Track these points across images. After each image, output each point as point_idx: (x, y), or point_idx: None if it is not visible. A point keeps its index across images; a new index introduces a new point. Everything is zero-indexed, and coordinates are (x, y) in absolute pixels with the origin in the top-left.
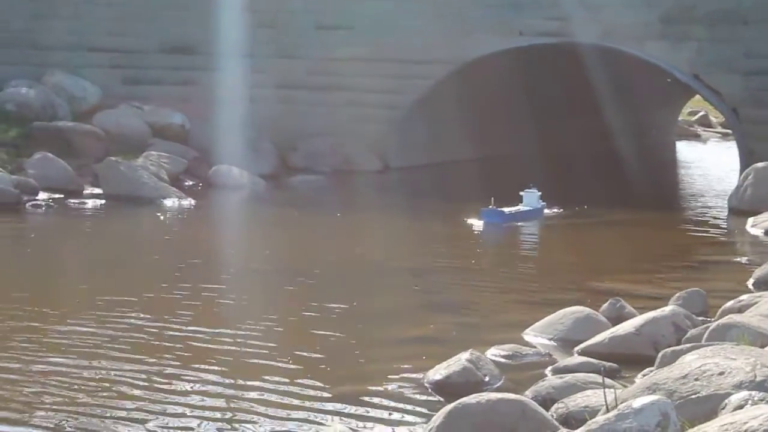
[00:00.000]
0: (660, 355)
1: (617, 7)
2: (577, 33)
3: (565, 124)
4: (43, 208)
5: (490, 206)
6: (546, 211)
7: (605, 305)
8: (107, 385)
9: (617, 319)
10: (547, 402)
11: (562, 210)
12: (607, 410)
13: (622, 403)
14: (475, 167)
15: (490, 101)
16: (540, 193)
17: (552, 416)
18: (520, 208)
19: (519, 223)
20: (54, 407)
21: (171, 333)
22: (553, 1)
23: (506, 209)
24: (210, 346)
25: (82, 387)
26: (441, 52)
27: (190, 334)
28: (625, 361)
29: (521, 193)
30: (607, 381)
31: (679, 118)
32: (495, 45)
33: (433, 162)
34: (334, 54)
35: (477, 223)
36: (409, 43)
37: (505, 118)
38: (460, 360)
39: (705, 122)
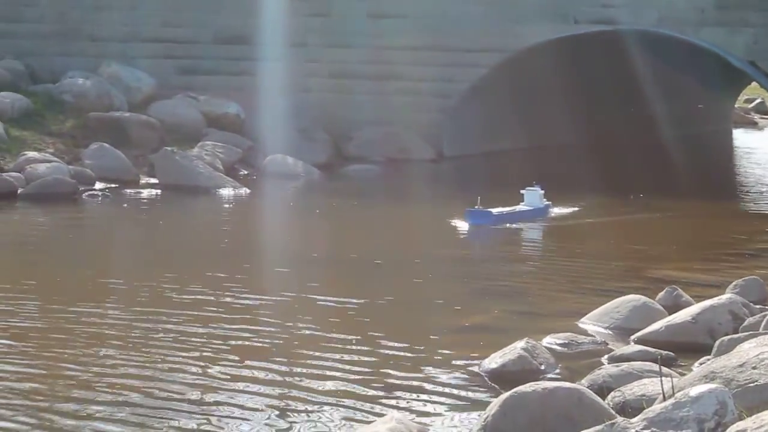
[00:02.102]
0: (717, 343)
1: None
2: (632, 20)
3: (617, 112)
4: (100, 198)
5: (476, 206)
6: (554, 210)
7: (662, 293)
8: (164, 373)
9: (674, 307)
10: (603, 390)
11: (577, 208)
12: (664, 399)
13: (679, 391)
14: (528, 156)
15: (542, 89)
16: (543, 192)
17: (608, 405)
18: (515, 208)
19: (513, 225)
20: (114, 395)
21: (227, 321)
22: None
23: (494, 210)
24: (265, 336)
25: (140, 374)
26: (494, 40)
27: (247, 323)
28: (682, 349)
29: (522, 192)
30: (664, 369)
31: (735, 106)
32: (549, 33)
33: (486, 151)
34: (388, 42)
35: (462, 225)
36: (462, 31)
37: (558, 106)
38: (515, 348)
39: (762, 109)
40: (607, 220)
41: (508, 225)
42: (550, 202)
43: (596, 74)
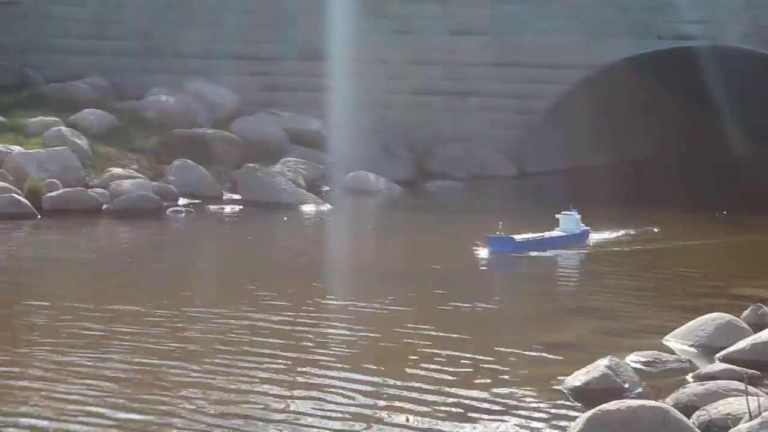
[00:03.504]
0: None
1: (759, 8)
2: (716, 35)
3: (699, 126)
4: (183, 214)
5: (498, 232)
6: (594, 235)
7: (746, 312)
8: (252, 384)
9: (759, 325)
10: (688, 409)
11: (656, 229)
12: (750, 418)
13: (765, 410)
14: (612, 172)
15: (623, 105)
16: (579, 216)
17: (694, 424)
18: (544, 234)
19: (546, 252)
20: (204, 409)
21: (308, 331)
22: (692, 3)
23: (518, 236)
24: (344, 346)
25: (228, 387)
26: (576, 56)
27: (329, 334)
28: None
29: (557, 216)
30: (750, 388)
31: None
32: (631, 49)
33: (569, 167)
34: (469, 59)
35: (482, 252)
36: (544, 47)
37: (639, 122)
38: (599, 366)
39: None
40: (689, 239)
41: (534, 253)
42: (588, 228)
43: (675, 89)
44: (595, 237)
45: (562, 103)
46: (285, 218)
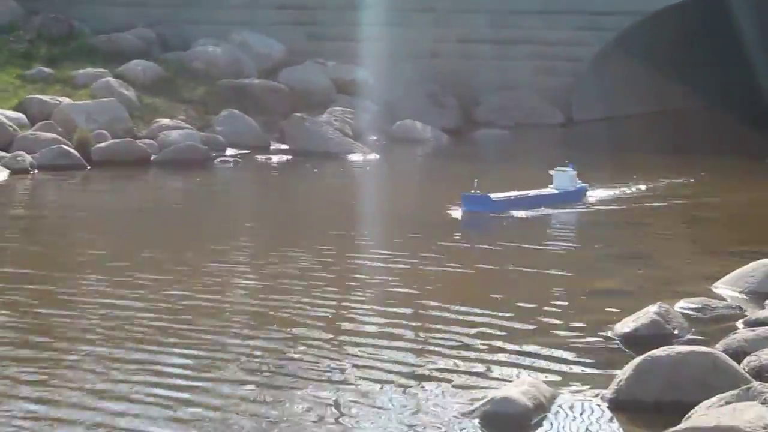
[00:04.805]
0: None
1: None
2: None
3: (742, 76)
4: (231, 164)
5: (473, 191)
6: (590, 193)
7: None
8: (290, 343)
9: None
10: (738, 355)
11: (703, 173)
12: None
13: None
14: (661, 120)
15: (674, 53)
16: (575, 172)
17: (744, 369)
18: (529, 192)
19: (531, 212)
20: (243, 364)
21: (352, 287)
22: None
23: (494, 195)
24: (392, 302)
25: (267, 346)
26: (624, 3)
27: (376, 286)
28: None
29: (551, 172)
30: None
31: None
32: None
33: (617, 115)
34: (516, 7)
35: (456, 212)
36: None
37: (684, 71)
38: (648, 313)
39: None
40: (735, 188)
41: (518, 213)
42: (586, 185)
43: (717, 38)
44: (641, 187)
45: (609, 50)
46: (340, 169)
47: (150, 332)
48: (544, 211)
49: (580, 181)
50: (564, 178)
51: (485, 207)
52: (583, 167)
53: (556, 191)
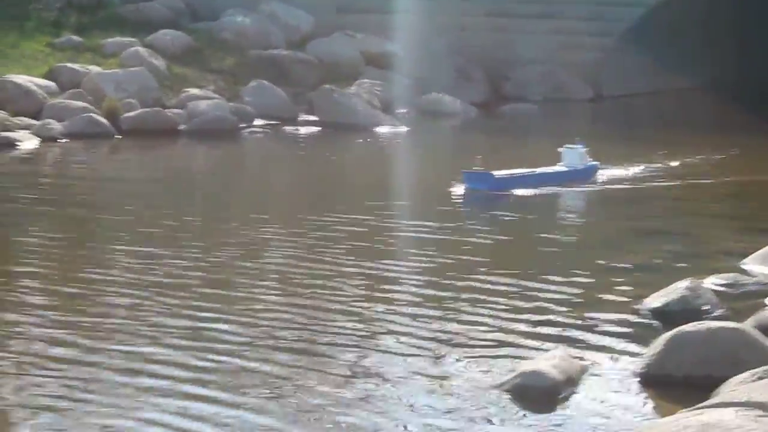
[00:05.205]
0: None
1: None
2: None
3: None
4: (260, 135)
5: (475, 167)
6: (604, 171)
7: None
8: (322, 312)
9: None
10: None
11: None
12: None
13: None
14: (690, 96)
15: (701, 29)
16: (584, 150)
17: None
18: (535, 170)
19: (535, 190)
20: (272, 331)
21: (383, 258)
22: None
23: (496, 172)
24: (422, 272)
25: (299, 311)
26: None
27: (406, 257)
28: None
29: (560, 150)
30: None
31: None
32: None
33: (646, 90)
34: None
35: (458, 189)
36: None
37: (717, 45)
38: (678, 288)
39: None
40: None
41: (522, 191)
42: (597, 163)
43: (754, 13)
44: (672, 163)
45: (638, 26)
46: (360, 140)
47: (186, 297)
48: (553, 189)
49: (590, 159)
50: (573, 155)
51: (487, 185)
52: (607, 143)
53: (565, 169)
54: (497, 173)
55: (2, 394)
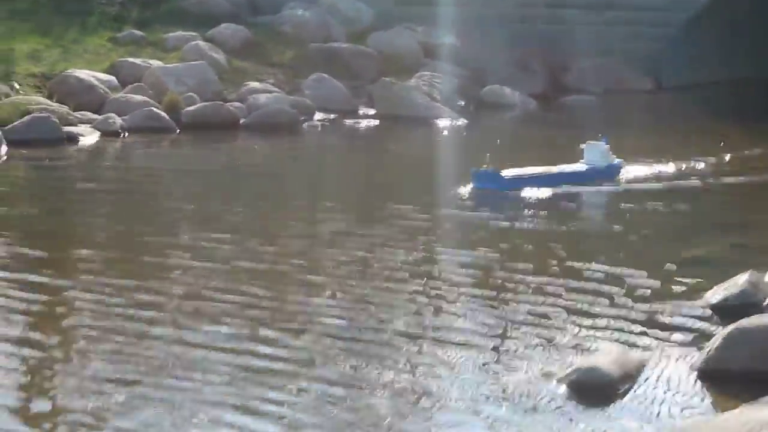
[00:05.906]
0: None
1: None
2: None
3: None
4: (319, 128)
5: (484, 166)
6: (624, 170)
7: None
8: (370, 307)
9: None
10: None
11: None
12: None
13: None
14: (752, 87)
15: (764, 20)
16: (607, 146)
17: None
18: (551, 169)
19: (554, 190)
20: (315, 327)
21: (433, 253)
22: None
23: (506, 172)
24: (472, 266)
25: (345, 306)
26: None
27: (460, 248)
28: None
29: (581, 146)
30: None
31: None
32: None
33: (707, 81)
34: None
35: (466, 189)
36: None
37: None
38: (738, 282)
39: None
40: None
41: (538, 192)
42: (621, 161)
43: None
44: (726, 156)
45: (699, 16)
46: (423, 131)
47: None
48: (570, 189)
49: (614, 157)
50: (595, 152)
51: (496, 184)
52: (661, 136)
53: (584, 168)
54: (506, 172)
55: (94, 366)
